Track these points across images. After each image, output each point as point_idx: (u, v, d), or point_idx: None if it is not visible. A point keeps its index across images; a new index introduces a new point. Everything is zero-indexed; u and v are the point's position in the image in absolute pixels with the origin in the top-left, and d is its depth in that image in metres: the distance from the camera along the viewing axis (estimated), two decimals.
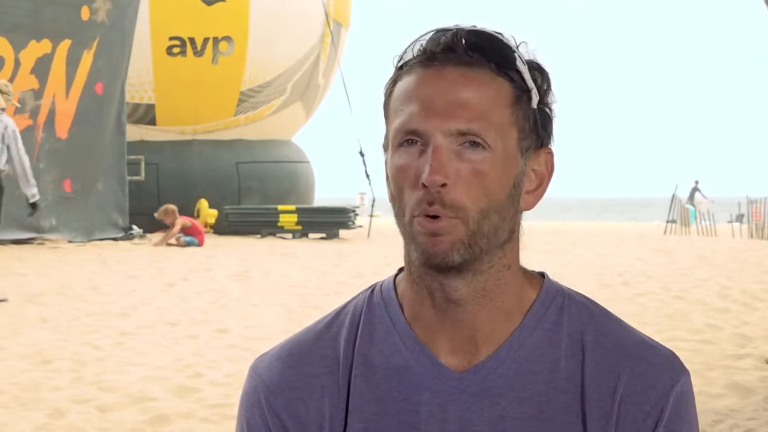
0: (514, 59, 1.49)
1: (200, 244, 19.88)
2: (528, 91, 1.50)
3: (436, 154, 1.45)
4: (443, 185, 1.44)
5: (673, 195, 29.79)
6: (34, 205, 11.64)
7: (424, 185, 1.44)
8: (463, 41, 1.48)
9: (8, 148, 11.19)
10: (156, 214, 20.21)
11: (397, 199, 1.49)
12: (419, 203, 1.46)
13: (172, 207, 20.14)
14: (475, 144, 1.46)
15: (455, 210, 1.45)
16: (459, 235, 1.46)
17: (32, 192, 11.55)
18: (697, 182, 41.09)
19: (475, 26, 1.50)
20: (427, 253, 1.46)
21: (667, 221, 29.63)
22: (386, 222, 27.51)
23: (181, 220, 19.90)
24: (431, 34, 1.51)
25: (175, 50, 23.23)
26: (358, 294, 1.60)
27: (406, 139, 1.48)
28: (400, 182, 1.48)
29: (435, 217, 1.45)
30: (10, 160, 11.27)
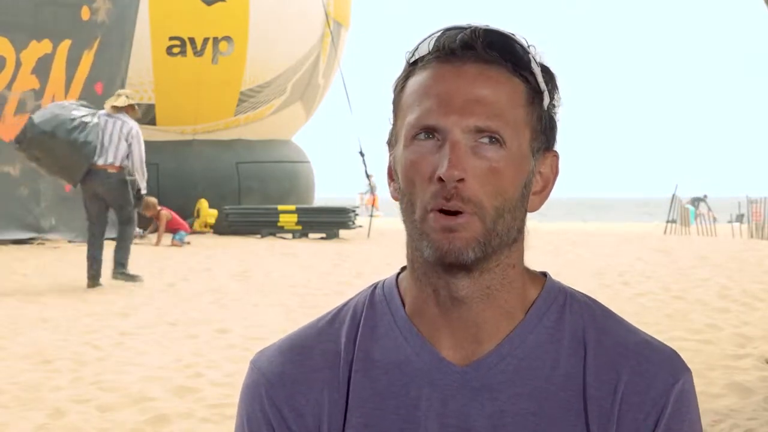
0: (529, 60, 1.50)
1: (188, 231, 20.36)
2: (540, 92, 1.51)
3: (455, 149, 1.45)
4: (460, 180, 1.44)
5: (673, 195, 29.76)
6: (141, 197, 13.39)
7: (440, 179, 1.44)
8: (481, 39, 1.49)
9: (130, 146, 12.91)
10: None
11: (406, 194, 1.49)
12: (434, 197, 1.45)
13: (153, 200, 20.19)
14: (492, 141, 1.46)
15: (473, 205, 1.45)
16: (475, 233, 1.46)
17: (144, 185, 13.27)
18: (705, 195, 41.20)
19: (489, 26, 1.51)
20: (442, 249, 1.46)
21: (667, 221, 29.60)
22: (386, 222, 27.49)
23: (164, 213, 20.05)
24: (446, 31, 1.51)
25: (175, 50, 23.20)
26: (360, 292, 1.60)
27: (422, 134, 1.47)
28: (411, 176, 1.47)
29: (453, 213, 1.45)
30: (130, 157, 12.89)
